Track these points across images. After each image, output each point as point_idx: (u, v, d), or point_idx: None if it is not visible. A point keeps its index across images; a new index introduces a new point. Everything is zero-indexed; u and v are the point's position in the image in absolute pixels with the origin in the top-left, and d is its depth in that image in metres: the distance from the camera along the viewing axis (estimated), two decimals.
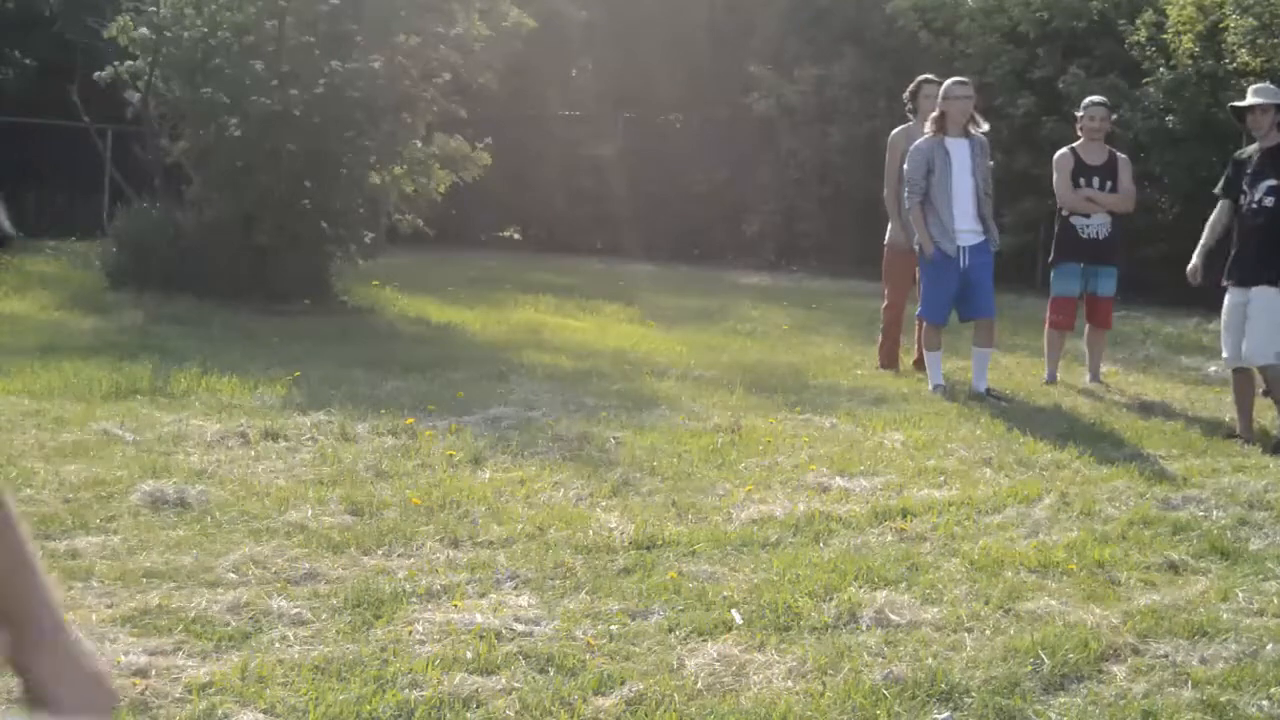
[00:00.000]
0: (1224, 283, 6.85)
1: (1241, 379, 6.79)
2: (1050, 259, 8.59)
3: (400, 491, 4.86)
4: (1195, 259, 7.21)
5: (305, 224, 11.10)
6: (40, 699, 1.16)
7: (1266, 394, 6.80)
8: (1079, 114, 8.49)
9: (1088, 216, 8.20)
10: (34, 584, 1.16)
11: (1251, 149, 6.86)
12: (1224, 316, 6.86)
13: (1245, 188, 6.72)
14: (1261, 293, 6.57)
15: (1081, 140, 8.37)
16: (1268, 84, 7.33)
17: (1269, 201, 6.57)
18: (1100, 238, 8.20)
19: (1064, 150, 8.47)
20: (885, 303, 8.75)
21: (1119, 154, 8.42)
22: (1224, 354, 6.93)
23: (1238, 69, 14.72)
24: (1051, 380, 8.30)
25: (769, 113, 18.73)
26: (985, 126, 7.89)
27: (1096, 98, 8.75)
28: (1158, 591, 4.10)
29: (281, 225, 10.88)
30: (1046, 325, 8.43)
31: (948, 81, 7.96)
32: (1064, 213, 8.33)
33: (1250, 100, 6.80)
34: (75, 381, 6.73)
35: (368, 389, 6.89)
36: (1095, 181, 8.21)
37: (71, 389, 6.57)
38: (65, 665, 1.16)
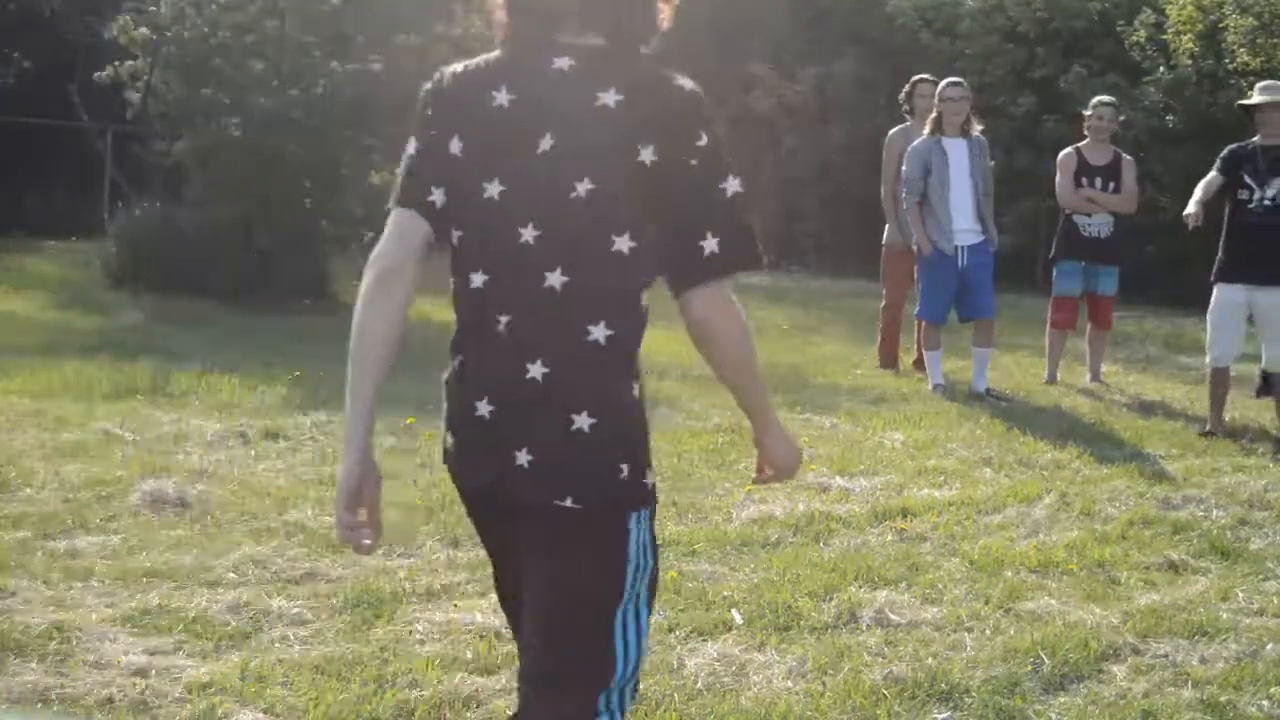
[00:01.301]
0: (1216, 280, 6.72)
1: (1221, 377, 6.76)
2: (1051, 255, 8.57)
3: (400, 491, 4.85)
4: (1194, 207, 6.68)
5: (305, 224, 11.10)
6: (763, 457, 2.08)
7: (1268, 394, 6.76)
8: (1086, 113, 8.43)
9: (1089, 215, 8.18)
10: (759, 392, 2.04)
11: (1254, 143, 6.65)
12: (1215, 315, 6.72)
13: (1251, 184, 6.53)
14: None
15: (1087, 140, 8.34)
16: (1278, 81, 7.25)
17: None
18: (1102, 236, 8.18)
19: (1068, 150, 8.43)
20: (884, 303, 8.75)
21: (1124, 155, 8.37)
22: (1212, 352, 6.76)
23: (1238, 69, 14.72)
24: (1051, 380, 8.30)
25: (769, 112, 18.72)
26: (979, 128, 7.88)
27: (1105, 97, 8.68)
28: (1158, 591, 4.10)
29: (282, 225, 10.88)
30: (1047, 324, 8.42)
31: (943, 83, 7.95)
32: (1066, 210, 8.31)
33: (1259, 98, 6.71)
34: (75, 381, 6.73)
35: None
36: (1098, 182, 8.18)
37: (71, 389, 6.57)
38: (776, 438, 2.06)
